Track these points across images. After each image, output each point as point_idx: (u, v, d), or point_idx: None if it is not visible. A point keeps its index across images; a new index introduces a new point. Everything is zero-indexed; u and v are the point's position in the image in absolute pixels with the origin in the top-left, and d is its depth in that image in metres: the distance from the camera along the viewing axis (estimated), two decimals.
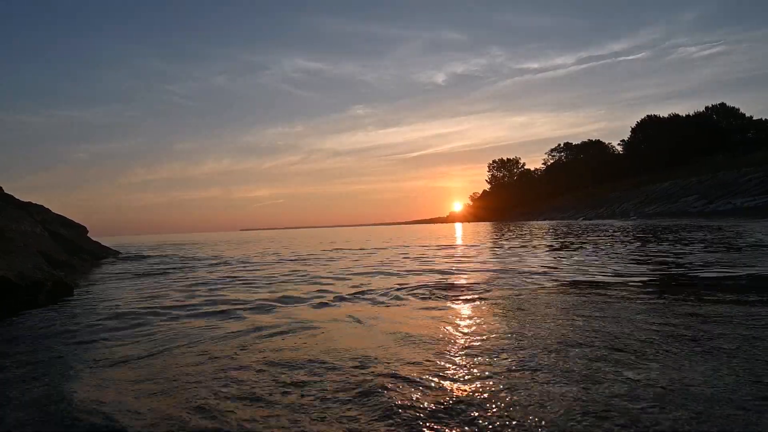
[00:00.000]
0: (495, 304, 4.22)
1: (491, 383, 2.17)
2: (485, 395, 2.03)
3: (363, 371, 2.44)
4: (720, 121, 64.98)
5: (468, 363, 2.50)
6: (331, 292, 5.38)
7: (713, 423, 1.68)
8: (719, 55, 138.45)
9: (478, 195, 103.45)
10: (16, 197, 11.28)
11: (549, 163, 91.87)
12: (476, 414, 1.85)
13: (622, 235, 15.15)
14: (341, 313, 4.13)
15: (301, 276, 7.26)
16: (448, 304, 4.33)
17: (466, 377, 2.28)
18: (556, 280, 5.52)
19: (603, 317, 3.41)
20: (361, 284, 5.94)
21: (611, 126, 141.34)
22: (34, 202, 11.86)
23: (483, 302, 4.31)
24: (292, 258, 11.37)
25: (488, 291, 4.94)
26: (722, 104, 66.13)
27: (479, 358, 2.59)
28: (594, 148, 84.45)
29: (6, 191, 11.19)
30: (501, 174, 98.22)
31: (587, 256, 8.42)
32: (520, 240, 14.88)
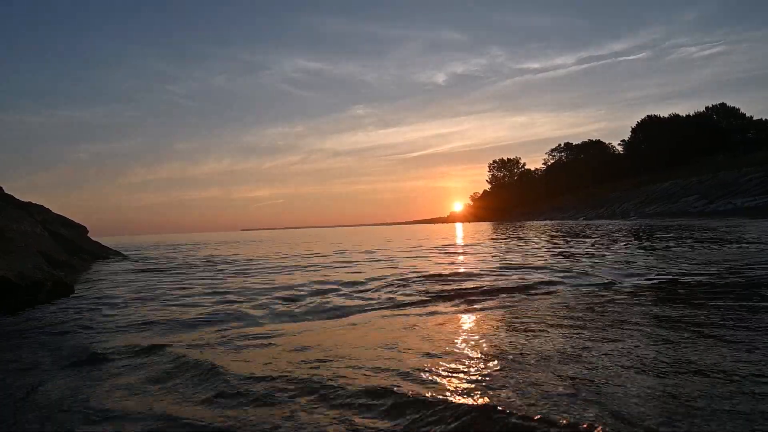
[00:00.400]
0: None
1: None
2: None
3: None
4: (720, 121, 64.88)
5: None
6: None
7: None
8: (719, 55, 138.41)
9: (479, 195, 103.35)
10: (16, 197, 11.27)
11: (549, 163, 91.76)
12: None
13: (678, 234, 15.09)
14: None
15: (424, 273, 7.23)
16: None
17: None
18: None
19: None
20: None
21: (611, 126, 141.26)
22: (34, 202, 11.86)
23: None
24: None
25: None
26: (722, 104, 66.05)
27: None
28: (594, 148, 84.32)
29: (6, 191, 11.18)
30: (501, 174, 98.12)
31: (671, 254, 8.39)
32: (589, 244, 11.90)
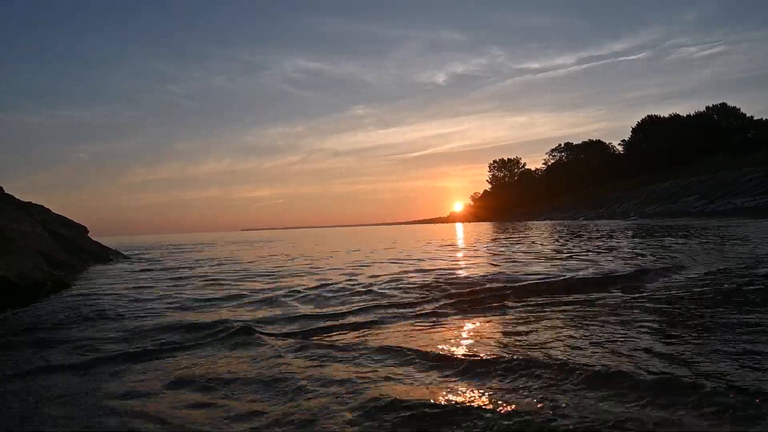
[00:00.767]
0: None
1: None
2: None
3: None
4: (720, 121, 64.89)
5: None
6: None
7: None
8: (719, 55, 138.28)
9: (479, 195, 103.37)
10: (16, 197, 11.26)
11: (549, 163, 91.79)
12: None
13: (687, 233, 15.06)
14: None
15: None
16: None
17: None
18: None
19: None
20: None
21: (611, 126, 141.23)
22: (34, 202, 11.85)
23: None
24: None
25: None
26: (723, 104, 66.06)
27: None
28: (594, 148, 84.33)
29: (6, 191, 11.17)
30: (501, 174, 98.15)
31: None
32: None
